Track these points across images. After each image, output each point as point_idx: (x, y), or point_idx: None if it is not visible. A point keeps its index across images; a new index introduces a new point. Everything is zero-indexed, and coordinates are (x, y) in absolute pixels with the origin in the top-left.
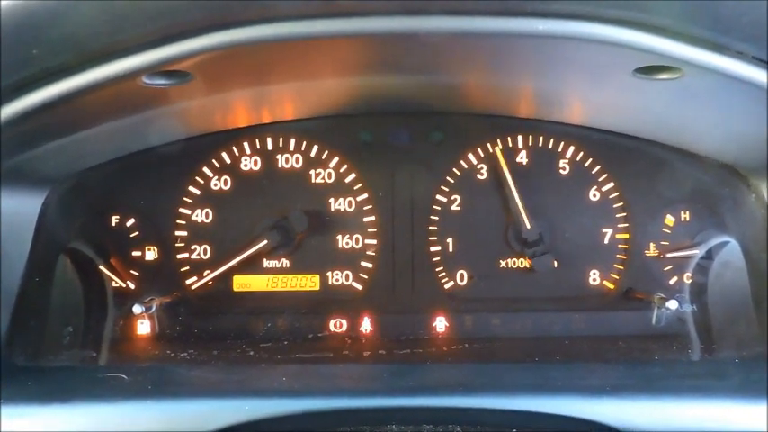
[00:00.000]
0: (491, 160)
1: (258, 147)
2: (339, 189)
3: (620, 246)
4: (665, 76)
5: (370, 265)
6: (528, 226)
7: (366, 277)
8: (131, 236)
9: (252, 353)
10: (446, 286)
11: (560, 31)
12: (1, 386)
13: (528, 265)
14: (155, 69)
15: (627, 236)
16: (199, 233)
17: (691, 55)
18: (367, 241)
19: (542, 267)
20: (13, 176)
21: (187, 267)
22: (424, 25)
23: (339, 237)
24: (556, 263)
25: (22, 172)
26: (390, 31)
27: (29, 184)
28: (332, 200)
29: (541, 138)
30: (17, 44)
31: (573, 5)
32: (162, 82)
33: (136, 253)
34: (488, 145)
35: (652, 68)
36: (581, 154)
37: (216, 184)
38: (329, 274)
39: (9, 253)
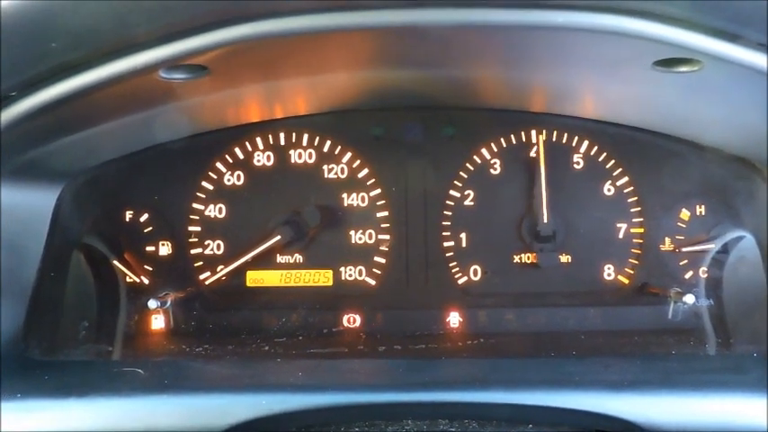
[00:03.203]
0: (506, 154)
1: (271, 142)
2: (352, 184)
3: (634, 240)
4: (684, 68)
5: (383, 261)
6: (545, 220)
7: (379, 272)
8: (145, 231)
9: (266, 348)
10: (460, 281)
11: (581, 23)
12: (19, 380)
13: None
14: (173, 63)
15: (642, 230)
16: (212, 228)
17: (711, 46)
18: (380, 236)
19: (547, 263)
20: (28, 171)
21: (201, 262)
22: (439, 18)
23: (352, 232)
24: (569, 258)
25: (36, 167)
26: (406, 23)
27: (44, 179)
28: (345, 195)
29: (555, 132)
30: (36, 38)
31: None
32: (179, 76)
33: (149, 248)
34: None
35: (671, 61)
36: (595, 148)
37: (229, 180)
38: (342, 269)
39: (24, 248)
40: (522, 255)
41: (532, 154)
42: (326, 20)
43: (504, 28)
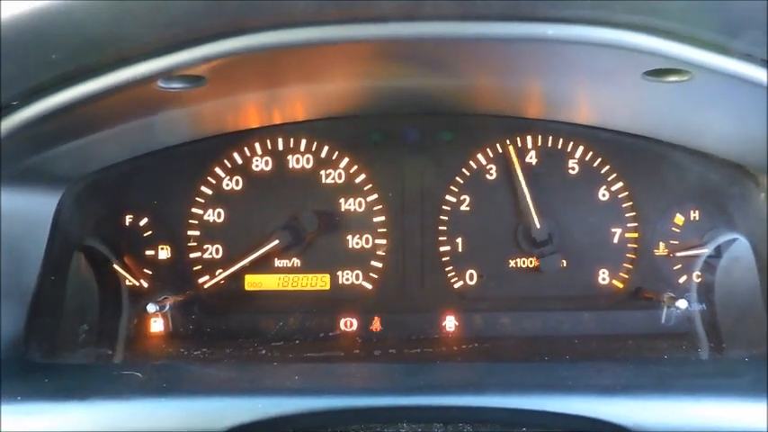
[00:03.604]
0: (502, 159)
1: (269, 147)
2: (349, 189)
3: (629, 245)
4: (674, 78)
5: (380, 265)
6: (538, 225)
7: (376, 277)
8: (144, 235)
9: (264, 352)
10: (456, 286)
11: (570, 35)
12: (19, 383)
13: (537, 265)
14: (171, 74)
15: (636, 235)
16: (211, 233)
17: (700, 58)
18: (377, 241)
19: (550, 267)
20: (28, 177)
21: (199, 266)
22: (435, 30)
23: (349, 237)
24: (565, 262)
25: (38, 172)
26: (402, 36)
27: (45, 183)
28: (342, 200)
29: (551, 138)
30: (36, 49)
31: (582, 10)
32: (177, 86)
33: (149, 252)
34: (500, 144)
35: (661, 71)
36: (590, 154)
37: (228, 185)
38: (339, 273)
39: (25, 251)
40: (518, 259)
41: (527, 160)
42: (322, 33)
43: (499, 40)
